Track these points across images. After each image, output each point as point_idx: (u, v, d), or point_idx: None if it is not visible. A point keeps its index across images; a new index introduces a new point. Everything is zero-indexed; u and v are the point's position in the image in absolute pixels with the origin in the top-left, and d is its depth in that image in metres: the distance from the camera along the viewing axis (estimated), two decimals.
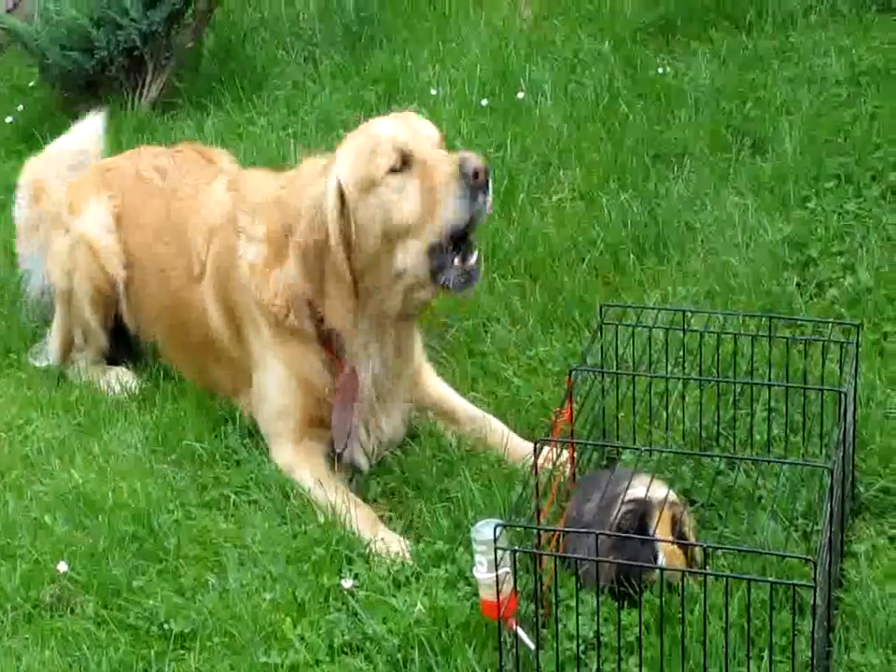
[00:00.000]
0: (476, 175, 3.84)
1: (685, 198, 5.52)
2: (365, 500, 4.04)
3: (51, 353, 5.10)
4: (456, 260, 3.93)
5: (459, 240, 3.92)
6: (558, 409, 3.68)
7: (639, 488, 3.45)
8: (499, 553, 3.18)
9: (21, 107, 7.85)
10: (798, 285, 4.82)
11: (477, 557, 3.26)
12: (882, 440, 3.90)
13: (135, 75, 7.45)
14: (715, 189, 5.56)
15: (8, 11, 8.39)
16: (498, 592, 3.21)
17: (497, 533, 3.18)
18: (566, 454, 3.78)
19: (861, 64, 6.42)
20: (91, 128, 5.55)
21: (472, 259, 3.95)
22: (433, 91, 6.81)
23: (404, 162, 3.92)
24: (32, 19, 7.61)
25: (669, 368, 4.15)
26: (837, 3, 7.12)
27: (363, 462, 4.21)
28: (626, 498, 3.44)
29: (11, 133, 7.56)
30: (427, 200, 3.89)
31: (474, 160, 3.87)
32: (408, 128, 4.01)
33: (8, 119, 7.67)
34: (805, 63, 6.61)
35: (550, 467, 3.59)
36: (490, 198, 3.93)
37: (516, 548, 3.24)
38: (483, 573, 3.25)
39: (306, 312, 4.12)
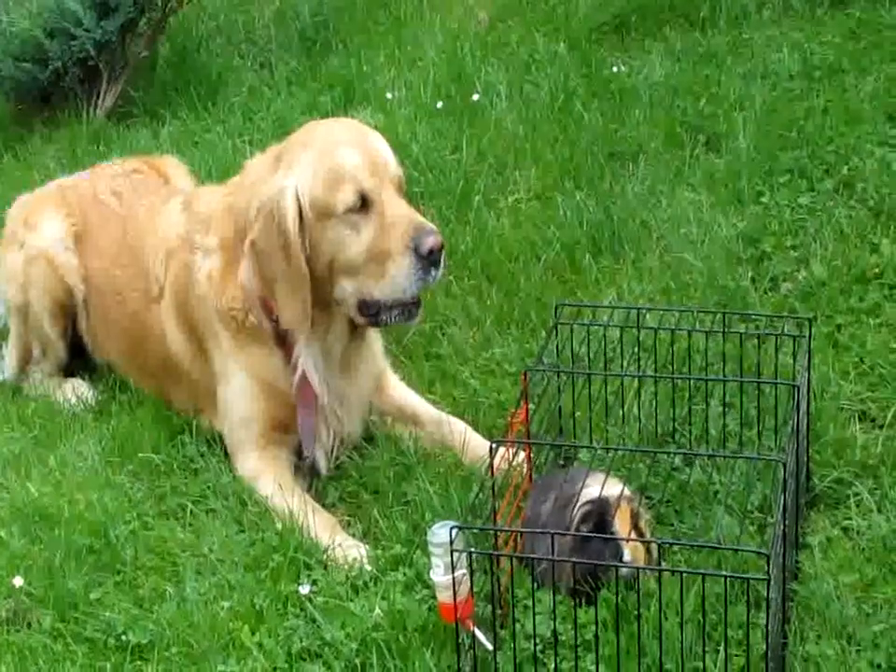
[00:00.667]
0: (431, 252, 3.87)
1: (640, 196, 5.53)
2: (323, 506, 4.03)
3: (8, 368, 5.09)
4: (400, 311, 4.01)
5: None
6: (514, 409, 3.69)
7: (594, 487, 3.46)
8: (456, 554, 3.19)
9: None
10: (752, 279, 4.83)
11: (433, 560, 3.26)
12: (835, 431, 3.93)
13: (90, 85, 7.45)
14: (670, 186, 5.58)
15: None
16: (455, 594, 3.21)
17: (453, 535, 3.18)
18: (522, 454, 3.78)
19: (813, 59, 6.44)
20: None
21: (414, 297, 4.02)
22: (389, 95, 6.82)
23: (363, 204, 3.92)
24: None
25: (625, 365, 4.17)
26: None
27: (323, 463, 4.21)
28: (583, 498, 3.45)
29: None
30: (378, 255, 3.93)
31: (431, 237, 3.89)
32: (371, 163, 3.96)
33: None
34: (758, 58, 6.63)
35: (506, 467, 3.59)
36: (441, 271, 3.95)
37: (472, 549, 3.24)
38: (439, 575, 3.25)
39: (262, 311, 4.12)
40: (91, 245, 4.89)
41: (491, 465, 3.37)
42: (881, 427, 4.01)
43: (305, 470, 4.21)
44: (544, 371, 3.91)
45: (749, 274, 4.85)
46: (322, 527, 3.86)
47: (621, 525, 3.39)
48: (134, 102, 7.45)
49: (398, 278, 3.91)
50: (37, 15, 7.32)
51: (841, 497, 3.75)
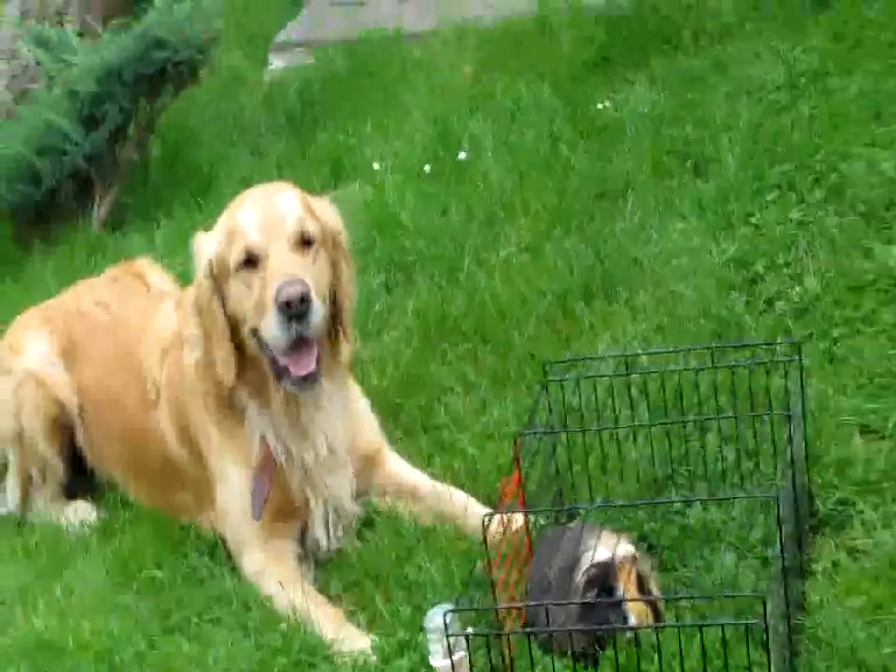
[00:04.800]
0: (288, 305, 3.85)
1: (630, 232, 5.45)
2: (328, 597, 3.98)
3: (10, 499, 5.08)
4: (292, 368, 3.97)
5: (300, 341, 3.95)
6: (505, 477, 3.63)
7: (599, 549, 3.39)
8: (453, 638, 3.14)
9: None
10: (746, 303, 4.73)
11: (431, 646, 3.22)
12: (836, 450, 3.84)
13: (84, 197, 7.50)
14: (659, 219, 5.49)
15: None
16: None
17: (447, 619, 3.13)
18: (520, 519, 3.71)
19: (797, 66, 6.34)
20: None
21: (306, 369, 3.96)
22: (376, 166, 6.80)
23: (251, 260, 3.96)
24: None
25: (620, 412, 4.11)
26: (773, 7, 7.05)
27: (323, 537, 4.20)
28: (587, 562, 3.39)
29: None
30: (261, 308, 3.94)
31: (285, 289, 3.85)
32: (264, 218, 4.00)
33: None
34: (742, 74, 6.54)
35: (501, 537, 3.53)
36: (311, 321, 3.90)
37: (469, 631, 3.19)
38: (438, 660, 3.20)
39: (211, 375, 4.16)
40: (80, 357, 4.92)
41: (485, 538, 3.30)
42: (883, 437, 3.91)
43: (309, 558, 4.18)
44: (535, 433, 3.84)
45: (743, 299, 4.76)
46: (327, 621, 3.81)
47: (626, 588, 3.32)
48: (128, 208, 7.49)
49: (266, 330, 3.93)
50: (28, 136, 7.39)
51: (845, 517, 3.65)
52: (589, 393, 4.09)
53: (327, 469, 4.20)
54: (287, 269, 3.90)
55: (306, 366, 3.95)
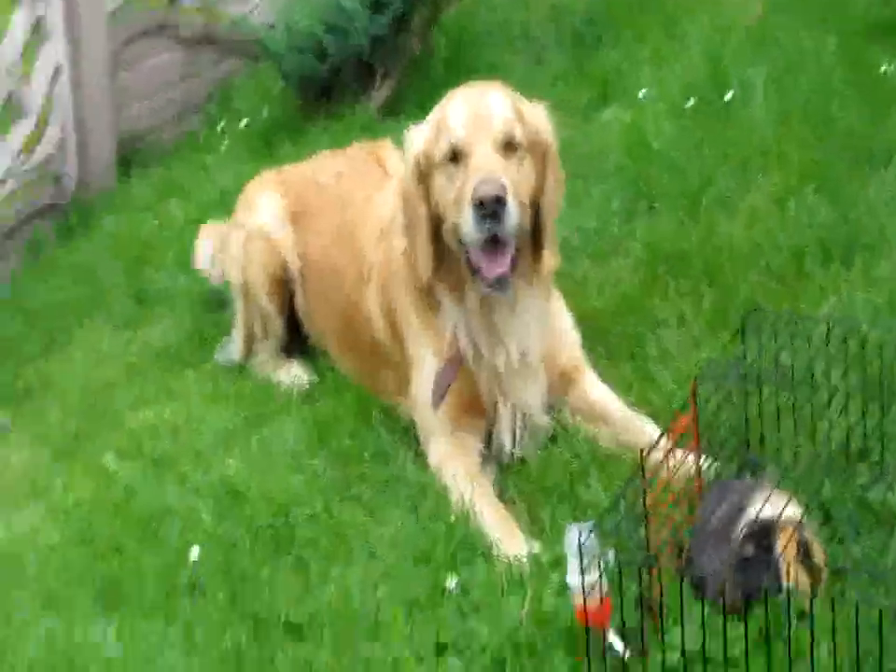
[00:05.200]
0: (483, 203, 3.91)
1: (884, 200, 5.30)
2: (503, 500, 4.07)
3: (234, 349, 5.37)
4: (484, 268, 4.04)
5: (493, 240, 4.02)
6: (677, 411, 3.63)
7: (766, 506, 3.39)
8: (588, 557, 3.17)
9: (265, 112, 8.21)
10: None
11: (570, 561, 3.25)
12: None
13: (366, 79, 7.70)
14: None
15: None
16: (585, 597, 3.20)
17: (586, 539, 3.16)
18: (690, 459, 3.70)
19: None
20: None
21: (498, 270, 4.01)
22: (642, 92, 6.77)
23: (455, 156, 4.04)
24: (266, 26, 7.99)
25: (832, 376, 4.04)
26: None
27: (507, 441, 4.29)
28: (749, 517, 3.39)
29: (254, 137, 7.95)
30: (460, 203, 4.03)
31: (482, 188, 3.92)
32: (472, 117, 4.08)
33: (244, 124, 8.05)
34: None
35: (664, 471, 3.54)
36: (506, 222, 3.96)
37: (609, 553, 3.21)
38: (573, 578, 3.24)
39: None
40: (308, 224, 5.13)
41: (642, 468, 3.32)
42: None
43: (493, 460, 4.28)
44: (716, 378, 3.82)
45: None
46: (493, 520, 3.90)
47: (786, 551, 3.31)
48: (406, 96, 7.66)
49: (462, 226, 4.02)
50: (316, 11, 7.64)
51: None
52: (799, 350, 4.04)
53: (518, 376, 4.28)
54: (488, 167, 3.97)
55: (498, 267, 4.02)
